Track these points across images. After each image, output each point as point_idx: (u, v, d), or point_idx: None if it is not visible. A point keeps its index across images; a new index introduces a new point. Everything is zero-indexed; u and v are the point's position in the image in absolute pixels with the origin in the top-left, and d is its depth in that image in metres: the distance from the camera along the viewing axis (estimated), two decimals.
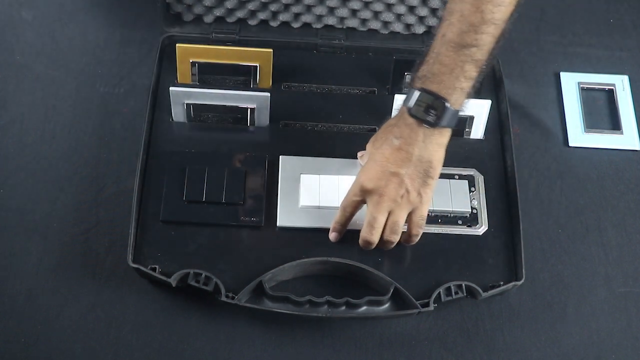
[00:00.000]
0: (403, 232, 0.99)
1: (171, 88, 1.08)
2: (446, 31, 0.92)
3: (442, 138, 0.95)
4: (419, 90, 0.93)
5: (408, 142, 0.94)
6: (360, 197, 0.97)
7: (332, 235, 1.02)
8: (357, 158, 1.08)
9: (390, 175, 0.94)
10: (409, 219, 0.98)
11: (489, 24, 0.91)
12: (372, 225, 0.97)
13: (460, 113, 1.06)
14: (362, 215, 1.01)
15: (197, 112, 1.12)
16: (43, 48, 1.23)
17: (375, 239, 0.98)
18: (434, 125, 0.93)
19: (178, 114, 1.11)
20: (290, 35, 1.21)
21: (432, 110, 0.92)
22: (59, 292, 1.01)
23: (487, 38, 0.92)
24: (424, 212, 0.97)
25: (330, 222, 1.03)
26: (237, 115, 1.12)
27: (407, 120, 0.94)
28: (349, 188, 1.05)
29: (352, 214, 1.00)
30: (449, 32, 0.92)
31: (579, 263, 1.07)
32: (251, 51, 1.13)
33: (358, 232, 1.03)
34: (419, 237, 1.00)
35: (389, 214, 0.96)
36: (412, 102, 0.93)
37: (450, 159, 1.09)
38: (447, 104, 0.92)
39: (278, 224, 1.04)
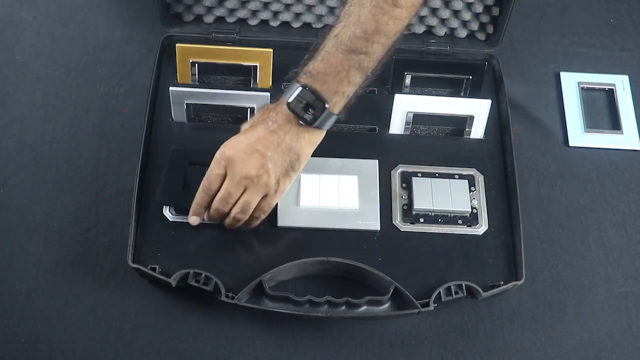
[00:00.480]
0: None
1: (171, 88, 1.08)
2: (340, 32, 0.93)
3: (315, 137, 0.96)
4: (302, 86, 0.93)
5: (282, 130, 0.94)
6: (222, 170, 0.96)
7: (192, 219, 1.01)
8: (357, 158, 1.09)
9: (256, 153, 0.94)
10: (262, 203, 0.98)
11: (381, 34, 0.92)
12: (225, 200, 0.96)
13: (461, 113, 1.06)
14: (351, 217, 1.01)
15: (197, 112, 1.12)
16: (43, 48, 1.23)
17: (225, 210, 0.97)
18: (309, 124, 0.94)
19: (178, 114, 1.11)
20: (290, 35, 1.21)
21: (310, 109, 0.93)
22: (59, 292, 1.01)
23: (378, 47, 0.93)
24: (273, 202, 0.98)
25: (330, 222, 1.03)
26: (237, 115, 1.12)
27: (285, 111, 0.94)
28: (349, 188, 1.05)
29: (216, 192, 0.98)
30: (343, 34, 0.92)
31: (579, 263, 1.07)
32: (251, 51, 1.13)
33: (358, 232, 1.04)
34: (258, 223, 1.00)
35: (243, 191, 0.96)
36: (292, 96, 0.93)
37: (450, 159, 1.09)
38: (327, 106, 0.93)
39: (278, 224, 1.04)
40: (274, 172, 0.95)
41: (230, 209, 0.98)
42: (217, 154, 0.96)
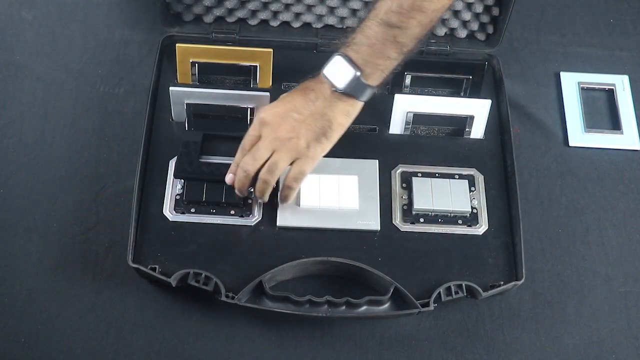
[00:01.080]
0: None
1: (171, 88, 1.08)
2: (378, 6, 0.94)
3: (349, 107, 0.97)
4: (338, 54, 0.95)
5: (316, 96, 0.96)
6: (257, 132, 0.98)
7: (228, 177, 1.01)
8: (357, 158, 1.09)
9: (289, 116, 0.96)
10: (289, 169, 0.98)
11: (417, 10, 0.92)
12: (253, 155, 0.97)
13: (461, 113, 1.06)
14: (351, 217, 1.01)
15: (197, 113, 1.12)
16: (43, 48, 1.23)
17: (251, 169, 0.97)
18: (340, 90, 0.95)
19: (178, 114, 1.11)
20: (290, 35, 1.21)
21: (346, 78, 0.95)
22: (59, 292, 1.01)
23: (413, 23, 0.93)
24: (304, 167, 0.98)
25: (330, 222, 1.03)
26: (237, 115, 1.12)
27: (321, 79, 0.96)
28: (349, 188, 1.05)
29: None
30: (380, 8, 0.94)
31: (579, 263, 1.07)
32: (251, 51, 1.13)
33: (358, 232, 1.04)
34: (291, 197, 1.01)
35: (273, 153, 0.97)
36: (328, 64, 0.96)
37: (450, 159, 1.09)
38: (358, 73, 0.94)
39: (278, 224, 1.04)
40: (304, 136, 0.96)
41: (258, 171, 0.98)
42: (255, 121, 0.98)
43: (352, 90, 0.95)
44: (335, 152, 1.09)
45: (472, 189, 1.08)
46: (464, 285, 0.99)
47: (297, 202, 1.05)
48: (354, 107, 0.98)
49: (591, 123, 1.20)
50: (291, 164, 0.98)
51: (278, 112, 0.97)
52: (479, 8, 1.18)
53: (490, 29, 1.21)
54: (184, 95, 1.09)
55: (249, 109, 1.10)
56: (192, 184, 1.05)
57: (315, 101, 0.96)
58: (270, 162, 0.97)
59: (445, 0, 0.94)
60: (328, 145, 0.98)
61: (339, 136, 0.99)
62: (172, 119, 1.12)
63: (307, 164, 0.98)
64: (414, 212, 1.06)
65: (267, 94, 1.09)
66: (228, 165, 1.02)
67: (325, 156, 1.08)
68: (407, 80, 1.15)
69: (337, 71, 0.95)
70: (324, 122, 0.96)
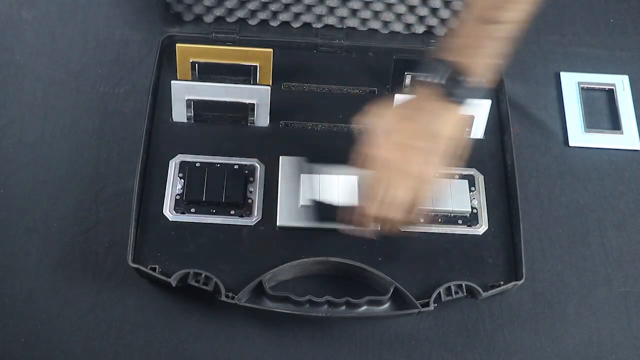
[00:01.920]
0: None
1: (173, 82, 1.08)
2: (473, 5, 0.92)
3: (457, 112, 0.94)
4: (441, 61, 0.92)
5: (426, 115, 0.92)
6: (379, 173, 0.93)
7: (367, 232, 1.00)
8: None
9: (400, 146, 0.92)
10: (412, 196, 0.94)
11: (513, 2, 0.91)
12: (372, 197, 0.93)
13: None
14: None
15: (198, 110, 1.12)
16: (43, 48, 1.23)
17: (373, 211, 0.94)
18: (451, 96, 0.92)
19: (178, 112, 1.11)
20: (290, 35, 1.21)
21: (452, 82, 0.91)
22: (59, 292, 1.01)
23: (516, 15, 0.91)
24: (427, 190, 0.94)
25: (330, 222, 1.03)
26: (238, 114, 1.12)
27: (425, 92, 0.93)
28: (349, 188, 1.05)
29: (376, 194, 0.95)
30: (476, 6, 0.92)
31: (579, 263, 1.07)
32: (251, 51, 1.13)
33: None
34: (417, 220, 0.98)
35: (391, 187, 0.93)
36: (438, 75, 0.92)
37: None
38: (467, 77, 0.91)
39: (278, 224, 1.04)
40: (419, 163, 0.92)
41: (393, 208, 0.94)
42: (369, 157, 0.93)
43: (461, 94, 0.92)
44: (336, 152, 1.09)
45: (472, 189, 1.08)
46: (464, 285, 0.99)
47: (297, 202, 1.05)
48: (459, 111, 0.94)
49: (591, 123, 1.20)
50: None
51: (386, 145, 0.92)
52: None
53: None
54: (185, 90, 1.09)
55: (249, 105, 1.10)
56: (192, 184, 1.05)
57: (421, 120, 0.92)
58: (391, 197, 0.92)
59: None
60: (441, 161, 0.93)
61: (450, 147, 0.94)
62: (172, 119, 1.12)
63: (427, 186, 0.94)
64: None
65: (268, 87, 1.09)
66: (329, 206, 1.02)
67: (325, 156, 1.09)
68: (407, 80, 1.15)
69: (450, 80, 0.91)
70: (436, 140, 0.92)
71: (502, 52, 0.92)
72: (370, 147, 0.93)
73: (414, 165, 0.92)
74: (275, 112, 1.12)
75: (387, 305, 0.99)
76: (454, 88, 0.91)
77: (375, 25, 1.22)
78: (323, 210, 1.03)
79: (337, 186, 1.06)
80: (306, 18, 1.21)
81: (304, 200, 1.05)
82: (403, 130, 0.92)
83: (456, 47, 0.92)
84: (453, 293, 0.99)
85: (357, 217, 0.96)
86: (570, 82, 1.23)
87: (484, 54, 0.92)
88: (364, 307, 0.98)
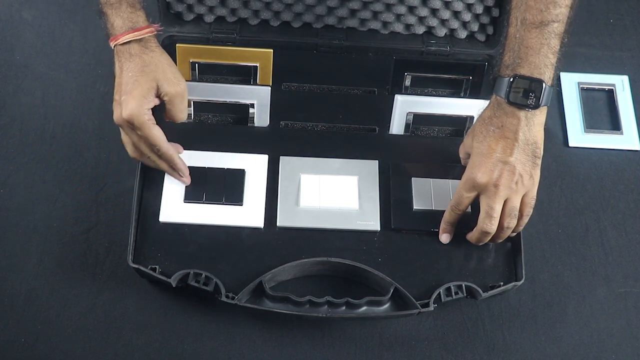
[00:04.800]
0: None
1: None
2: (524, 15, 0.93)
3: (542, 117, 0.96)
4: (512, 77, 0.94)
5: (511, 129, 0.94)
6: (474, 193, 0.97)
7: (443, 237, 1.03)
8: (356, 158, 1.09)
9: (501, 164, 0.95)
10: (521, 202, 0.98)
11: None
12: (490, 216, 0.97)
13: (461, 114, 1.06)
14: (351, 217, 1.01)
15: (198, 111, 1.12)
16: (43, 48, 1.23)
17: (494, 229, 0.98)
18: (535, 107, 0.94)
19: None
20: (290, 35, 1.21)
21: (530, 93, 0.93)
22: (59, 292, 1.01)
23: (565, 10, 0.93)
24: (535, 193, 0.98)
25: (330, 222, 1.03)
26: (238, 114, 1.12)
27: (505, 109, 0.95)
28: (349, 188, 1.05)
29: (464, 212, 1.00)
30: (528, 14, 0.93)
31: (579, 263, 1.07)
32: (251, 51, 1.13)
33: (358, 232, 1.03)
34: (528, 218, 1.00)
35: (505, 201, 0.97)
36: (507, 91, 0.94)
37: (450, 159, 1.09)
38: (544, 83, 0.93)
39: (278, 224, 1.04)
40: (524, 171, 0.95)
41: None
42: (466, 183, 0.98)
43: (544, 102, 0.94)
44: (336, 152, 1.09)
45: None
46: (463, 285, 0.99)
47: (297, 202, 1.05)
48: (545, 113, 0.96)
49: (591, 123, 1.20)
50: None
51: (487, 167, 0.95)
52: (479, 9, 1.18)
53: (490, 30, 1.21)
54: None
55: (249, 106, 1.10)
56: (192, 184, 1.05)
57: (512, 135, 0.94)
58: (508, 210, 0.97)
59: None
60: (540, 162, 0.97)
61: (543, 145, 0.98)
62: None
63: (535, 189, 0.98)
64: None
65: (268, 88, 1.09)
66: (442, 214, 1.03)
67: (325, 156, 1.09)
68: (407, 80, 1.15)
69: (522, 93, 0.93)
70: (531, 147, 0.95)
71: (562, 47, 0.94)
72: (473, 174, 0.96)
73: (526, 174, 0.96)
74: (275, 112, 1.12)
75: (387, 305, 0.99)
76: (529, 97, 0.93)
77: (375, 25, 1.22)
78: (435, 219, 1.04)
79: (337, 187, 1.06)
80: (306, 18, 1.21)
81: (304, 200, 1.05)
82: (508, 147, 0.95)
83: (517, 59, 0.94)
84: (453, 293, 0.99)
85: (476, 235, 1.00)
86: (570, 83, 1.23)
87: (546, 55, 0.93)
88: (364, 308, 0.98)
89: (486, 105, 0.99)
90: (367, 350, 0.99)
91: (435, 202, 1.05)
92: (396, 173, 1.08)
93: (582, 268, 1.07)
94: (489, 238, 1.00)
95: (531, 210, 1.00)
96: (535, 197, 0.99)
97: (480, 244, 1.01)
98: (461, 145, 1.05)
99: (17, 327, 0.99)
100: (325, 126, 1.14)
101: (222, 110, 1.12)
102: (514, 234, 1.02)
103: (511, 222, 0.98)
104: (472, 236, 1.01)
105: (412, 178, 1.07)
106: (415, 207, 1.05)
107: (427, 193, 1.06)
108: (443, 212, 1.03)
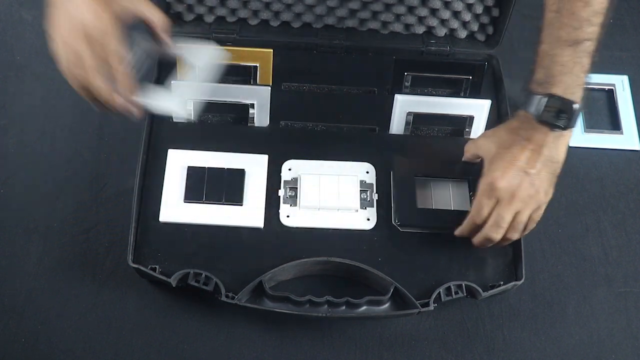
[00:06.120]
0: None
1: (172, 82, 1.08)
2: (558, 33, 0.92)
3: (567, 138, 0.95)
4: (545, 95, 0.93)
5: (539, 144, 0.94)
6: (492, 198, 0.96)
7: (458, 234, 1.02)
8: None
9: (523, 175, 0.94)
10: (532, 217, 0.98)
11: (597, 15, 0.91)
12: (498, 224, 0.96)
13: (461, 114, 1.06)
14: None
15: (198, 111, 1.12)
16: (43, 48, 1.23)
17: (499, 237, 0.97)
18: (565, 128, 0.93)
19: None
20: (290, 35, 1.21)
21: (562, 114, 0.92)
22: (59, 292, 1.01)
23: (597, 28, 0.92)
24: (543, 210, 0.98)
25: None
26: (238, 114, 1.12)
27: (534, 125, 0.94)
28: (349, 188, 1.05)
29: (484, 221, 0.98)
30: (562, 32, 0.92)
31: (579, 263, 1.07)
32: (251, 51, 1.13)
33: (358, 232, 1.03)
34: (527, 232, 1.00)
35: (515, 214, 0.96)
36: (539, 109, 0.93)
37: (450, 159, 1.09)
38: (576, 105, 0.92)
39: (278, 224, 1.04)
40: (542, 187, 0.95)
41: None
42: (485, 187, 0.96)
43: (570, 123, 0.93)
44: (336, 152, 1.09)
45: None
46: (463, 285, 0.99)
47: (297, 202, 1.05)
48: (570, 134, 0.96)
49: (591, 123, 1.20)
50: None
51: (510, 175, 0.94)
52: (479, 9, 1.18)
53: (490, 30, 1.21)
54: (186, 90, 1.09)
55: (249, 106, 1.10)
56: (192, 184, 1.05)
57: (540, 150, 0.94)
58: (515, 223, 0.96)
59: None
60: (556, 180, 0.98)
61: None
62: (172, 119, 1.12)
63: (544, 207, 0.97)
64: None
65: (268, 87, 1.09)
66: (445, 213, 1.03)
67: (325, 156, 1.09)
68: (407, 80, 1.15)
69: (554, 113, 0.92)
70: (554, 165, 0.95)
71: (592, 66, 0.94)
72: (494, 178, 0.95)
73: (542, 191, 0.95)
74: (275, 112, 1.12)
75: (387, 305, 0.99)
76: (559, 118, 0.92)
77: (375, 25, 1.22)
78: (438, 217, 1.04)
79: (337, 187, 1.06)
80: (306, 18, 1.21)
81: (304, 200, 1.05)
82: (532, 159, 0.94)
83: (550, 77, 0.93)
84: (453, 293, 0.99)
85: (479, 241, 0.99)
86: None
87: (578, 76, 0.93)
88: (364, 307, 0.98)
89: (512, 117, 0.97)
90: (367, 350, 0.99)
91: (435, 201, 1.05)
92: (398, 171, 1.07)
93: (582, 268, 1.07)
94: (491, 244, 0.99)
95: (534, 226, 0.99)
96: (541, 215, 0.98)
97: (481, 247, 1.01)
98: (471, 142, 1.03)
99: (17, 327, 0.99)
100: (325, 126, 1.14)
101: (222, 110, 1.12)
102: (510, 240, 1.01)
103: (514, 235, 0.98)
104: (475, 239, 1.00)
105: (415, 177, 1.07)
106: (418, 205, 1.05)
107: (429, 192, 1.06)
108: (443, 211, 1.03)
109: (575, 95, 0.93)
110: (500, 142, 0.97)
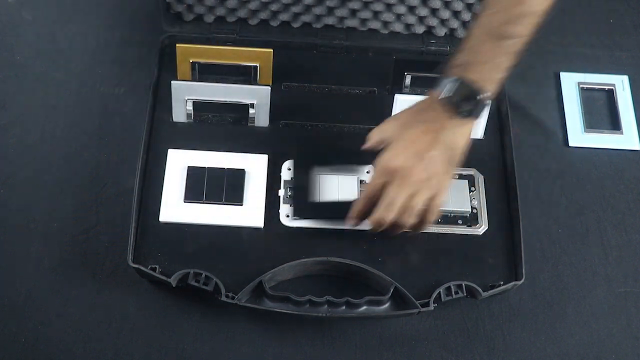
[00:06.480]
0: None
1: (173, 82, 1.08)
2: (487, 21, 0.92)
3: (469, 127, 0.95)
4: (457, 79, 0.92)
5: (438, 128, 0.93)
6: (385, 179, 0.95)
7: (352, 223, 1.01)
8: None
9: (417, 156, 0.93)
10: (427, 205, 0.96)
11: (530, 15, 0.91)
12: (390, 205, 0.94)
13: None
14: None
15: (198, 111, 1.12)
16: (43, 48, 1.23)
17: (389, 220, 0.96)
18: (466, 116, 0.93)
19: (178, 112, 1.11)
20: (290, 35, 1.21)
21: (466, 101, 0.92)
22: (59, 292, 1.01)
23: (527, 29, 0.92)
24: (442, 199, 0.96)
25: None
26: (238, 114, 1.12)
27: (439, 107, 0.93)
28: (349, 188, 1.05)
29: (374, 199, 0.97)
30: (489, 22, 0.92)
31: (579, 263, 1.07)
32: (251, 51, 1.13)
33: (359, 232, 1.03)
34: (429, 225, 0.99)
35: (411, 195, 0.94)
36: (448, 91, 0.92)
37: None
38: (483, 95, 0.92)
39: (278, 224, 1.04)
40: (437, 172, 0.94)
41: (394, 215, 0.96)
42: (379, 167, 0.95)
43: (475, 112, 0.93)
44: (336, 152, 1.09)
45: (472, 189, 1.08)
46: (463, 285, 0.99)
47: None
48: (472, 126, 0.96)
49: (591, 123, 1.20)
50: None
51: (402, 153, 0.94)
52: (479, 8, 1.18)
53: None
54: (186, 90, 1.09)
55: (249, 106, 1.10)
56: (192, 184, 1.05)
57: (438, 133, 0.93)
58: (409, 207, 0.95)
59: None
60: (454, 170, 0.97)
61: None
62: (172, 119, 1.12)
63: (443, 195, 0.96)
64: None
65: (268, 87, 1.09)
66: (342, 204, 1.02)
67: (325, 157, 1.09)
68: (407, 80, 1.15)
69: (460, 97, 0.92)
70: (451, 152, 0.94)
71: (511, 66, 0.93)
72: (388, 158, 0.94)
73: (436, 176, 0.94)
74: (275, 112, 1.12)
75: (387, 305, 0.99)
76: (465, 104, 0.92)
77: (375, 25, 1.22)
78: (332, 209, 1.04)
79: (337, 187, 1.06)
80: (306, 18, 1.21)
81: (311, 197, 1.05)
82: (428, 143, 0.93)
83: (467, 63, 0.92)
84: (453, 293, 0.99)
85: (372, 222, 0.98)
86: (570, 82, 1.23)
87: (495, 70, 0.92)
88: (364, 307, 0.98)
89: (422, 100, 0.97)
90: (367, 350, 0.99)
91: (340, 192, 1.04)
92: (299, 164, 1.07)
93: (582, 268, 1.07)
94: (381, 229, 0.97)
95: (433, 218, 0.98)
96: (440, 207, 0.97)
97: (375, 230, 0.99)
98: (376, 129, 0.99)
99: (17, 327, 0.99)
100: (325, 126, 1.14)
101: (222, 110, 1.12)
102: (417, 231, 1.00)
103: (408, 220, 0.96)
104: (370, 220, 0.98)
105: (317, 168, 1.06)
106: (311, 199, 1.05)
107: (333, 184, 1.05)
108: (347, 202, 1.02)
109: (487, 88, 0.92)
110: (403, 122, 0.96)
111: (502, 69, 0.93)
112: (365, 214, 0.99)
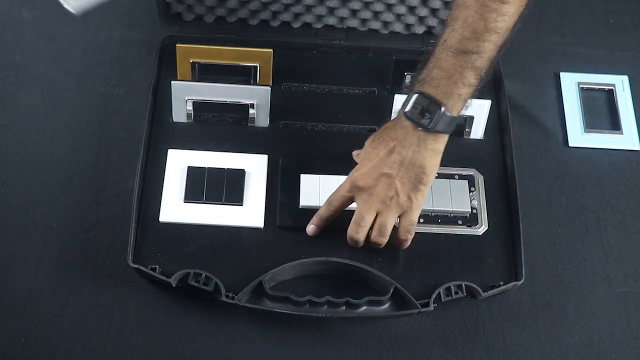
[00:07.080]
0: (393, 235, 0.99)
1: (173, 82, 1.08)
2: (448, 37, 0.93)
3: (437, 144, 0.95)
4: (416, 93, 0.93)
5: (402, 145, 0.94)
6: (350, 194, 0.97)
7: (310, 228, 1.02)
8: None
9: (381, 175, 0.95)
10: (398, 224, 0.98)
11: (491, 32, 0.91)
12: (358, 224, 0.97)
13: (460, 114, 1.06)
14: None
15: (198, 111, 1.12)
16: (43, 48, 1.23)
17: (361, 237, 0.98)
18: (427, 128, 0.93)
19: (178, 112, 1.11)
20: (290, 35, 1.21)
21: (427, 113, 0.92)
22: (59, 292, 1.01)
23: (489, 46, 0.92)
24: (413, 218, 0.97)
25: (330, 222, 1.03)
26: (238, 114, 1.12)
27: (403, 123, 0.94)
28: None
29: (338, 211, 1.00)
30: (451, 38, 0.92)
31: (579, 263, 1.07)
32: (251, 51, 1.13)
33: None
34: (408, 242, 1.00)
35: (377, 215, 0.96)
36: (408, 106, 0.94)
37: (450, 159, 1.09)
38: (443, 109, 0.92)
39: (278, 224, 1.04)
40: (402, 190, 0.95)
41: (367, 235, 0.98)
42: (345, 183, 0.98)
43: (439, 127, 0.93)
44: (335, 152, 1.09)
45: (472, 189, 1.08)
46: (463, 285, 0.99)
47: (297, 202, 1.05)
48: (442, 143, 0.95)
49: (591, 123, 1.20)
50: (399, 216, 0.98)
51: (368, 172, 0.95)
52: None
53: None
54: (186, 90, 1.09)
55: (249, 106, 1.10)
56: (192, 184, 1.05)
57: (402, 151, 0.94)
58: (377, 225, 0.97)
59: (514, 17, 0.93)
60: (427, 189, 0.96)
61: (435, 176, 0.97)
62: (172, 119, 1.12)
63: (413, 214, 0.97)
64: None
65: (268, 88, 1.09)
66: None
67: (325, 156, 1.09)
68: (407, 80, 1.15)
69: (420, 110, 0.92)
70: (417, 170, 0.94)
71: (479, 82, 0.94)
72: (355, 176, 0.96)
73: (402, 194, 0.95)
74: (275, 112, 1.12)
75: (387, 305, 0.99)
76: (424, 118, 0.92)
77: (375, 25, 1.22)
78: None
79: (337, 187, 1.06)
80: (306, 18, 1.21)
81: (304, 201, 1.05)
82: (392, 160, 0.94)
83: (429, 78, 0.93)
84: (453, 293, 0.99)
85: (348, 240, 1.00)
86: (570, 82, 1.23)
87: (457, 85, 0.92)
88: (364, 307, 0.98)
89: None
90: (367, 350, 0.99)
91: (322, 199, 1.04)
92: (285, 169, 1.07)
93: (582, 268, 1.07)
94: (360, 246, 0.99)
95: (409, 237, 0.99)
96: (414, 224, 0.98)
97: (354, 246, 1.00)
98: (360, 150, 1.02)
99: (17, 327, 0.99)
100: (325, 126, 1.14)
101: (222, 110, 1.12)
102: (398, 248, 1.01)
103: (378, 239, 0.98)
104: (347, 238, 1.00)
105: (301, 175, 1.07)
106: (302, 203, 1.05)
107: (315, 190, 1.06)
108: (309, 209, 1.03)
109: (449, 102, 0.92)
110: (373, 139, 0.98)
111: (465, 84, 0.93)
112: (325, 221, 1.01)
